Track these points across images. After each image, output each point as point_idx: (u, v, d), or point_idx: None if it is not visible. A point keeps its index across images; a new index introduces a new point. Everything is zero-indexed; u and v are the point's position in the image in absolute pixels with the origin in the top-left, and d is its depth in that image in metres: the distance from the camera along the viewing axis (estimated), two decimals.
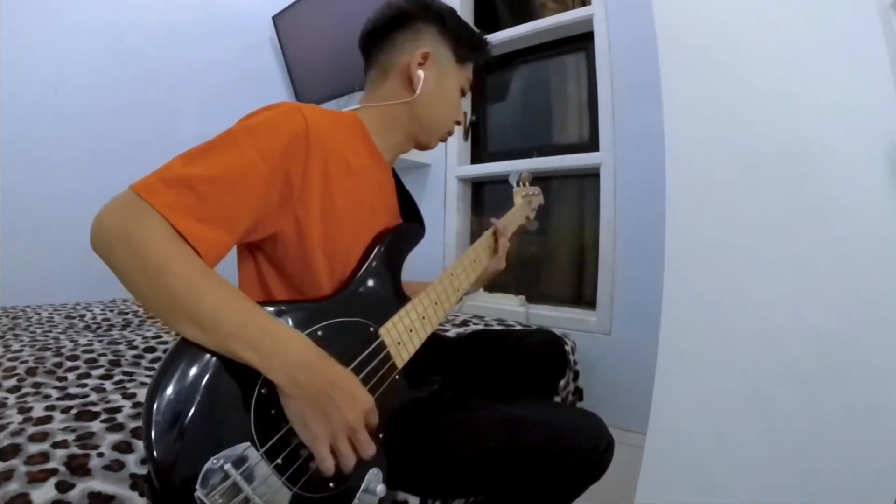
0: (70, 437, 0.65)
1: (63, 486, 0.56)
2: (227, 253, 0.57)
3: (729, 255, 0.87)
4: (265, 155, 0.57)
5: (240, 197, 0.56)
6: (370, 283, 0.68)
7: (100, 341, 1.14)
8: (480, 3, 1.98)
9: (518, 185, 1.04)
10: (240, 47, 2.23)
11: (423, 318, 0.69)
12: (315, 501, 0.54)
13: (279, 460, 0.51)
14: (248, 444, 0.50)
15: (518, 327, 1.40)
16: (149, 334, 1.22)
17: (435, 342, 0.83)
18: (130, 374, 0.94)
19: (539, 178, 1.18)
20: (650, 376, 0.92)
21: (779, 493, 0.79)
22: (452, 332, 1.25)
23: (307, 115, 0.62)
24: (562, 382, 1.14)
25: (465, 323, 1.41)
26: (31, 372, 0.91)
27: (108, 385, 0.87)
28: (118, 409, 0.75)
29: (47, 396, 0.80)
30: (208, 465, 0.47)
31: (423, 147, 0.83)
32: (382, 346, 0.63)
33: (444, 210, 1.96)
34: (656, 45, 0.95)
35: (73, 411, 0.73)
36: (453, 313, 1.51)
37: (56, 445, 0.63)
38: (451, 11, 0.80)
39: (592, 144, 1.64)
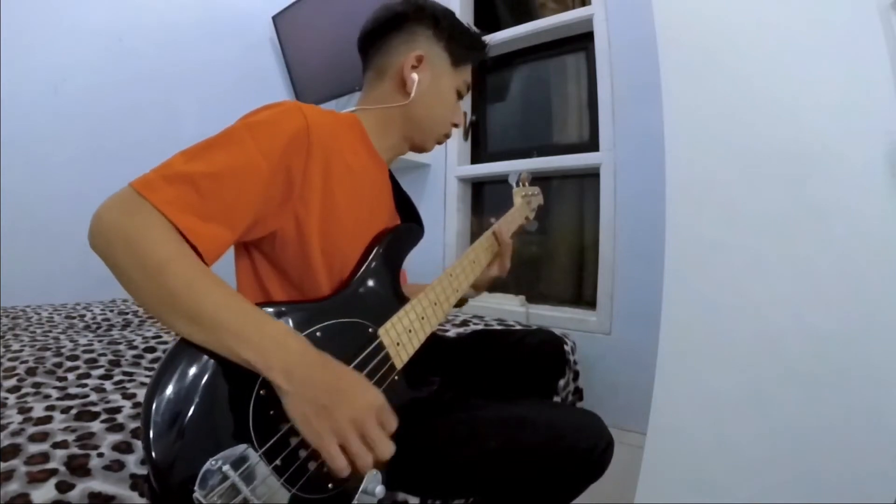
0: (70, 438, 0.65)
1: (63, 487, 0.56)
2: (226, 250, 0.57)
3: (729, 255, 0.87)
4: (266, 152, 0.57)
5: (241, 194, 0.56)
6: (369, 283, 0.68)
7: (100, 341, 1.14)
8: (480, 3, 1.98)
9: (517, 185, 1.03)
10: (240, 47, 2.23)
11: (423, 318, 0.69)
12: (314, 502, 0.54)
13: (278, 461, 0.51)
14: (247, 445, 0.50)
15: (518, 327, 1.40)
16: (149, 334, 1.22)
17: (435, 342, 0.82)
18: (130, 374, 0.94)
19: (539, 178, 1.18)
20: (650, 376, 0.92)
21: (779, 493, 0.79)
22: (452, 332, 1.25)
23: (308, 114, 0.62)
24: (562, 382, 1.14)
25: (465, 323, 1.41)
26: (31, 372, 0.91)
27: (108, 385, 0.87)
28: (118, 410, 0.75)
29: (47, 396, 0.80)
30: (207, 466, 0.47)
31: (419, 149, 0.82)
32: (381, 346, 0.63)
33: (444, 210, 1.96)
34: (656, 45, 0.95)
35: (73, 411, 0.73)
36: (453, 313, 1.51)
37: (56, 445, 0.63)
38: (447, 13, 0.79)
39: (592, 144, 1.64)
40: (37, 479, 0.56)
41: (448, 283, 0.76)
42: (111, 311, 1.52)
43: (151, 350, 1.10)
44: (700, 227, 0.90)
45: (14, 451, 0.61)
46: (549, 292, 1.81)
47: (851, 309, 0.76)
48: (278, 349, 0.50)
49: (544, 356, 0.94)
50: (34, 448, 0.62)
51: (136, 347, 1.10)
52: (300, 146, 0.60)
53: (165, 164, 0.54)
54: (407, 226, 0.78)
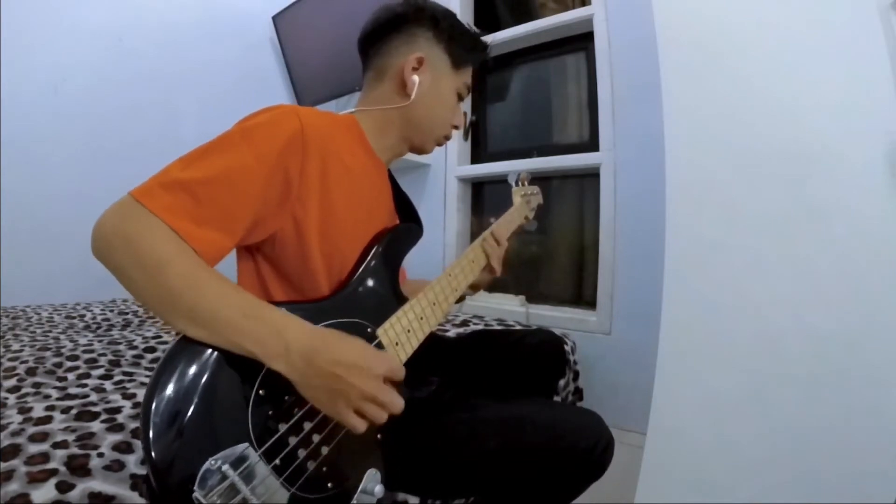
0: (70, 438, 0.65)
1: (63, 487, 0.56)
2: (226, 255, 0.58)
3: (729, 255, 0.87)
4: (263, 156, 0.58)
5: (237, 198, 0.56)
6: (368, 283, 0.68)
7: (100, 341, 1.14)
8: (480, 4, 1.98)
9: (517, 184, 1.03)
10: (240, 47, 2.23)
11: (422, 318, 0.69)
12: (313, 502, 0.54)
13: (277, 461, 0.51)
14: (247, 444, 0.50)
15: (518, 327, 1.40)
16: (149, 334, 1.22)
17: (434, 342, 0.82)
18: (130, 374, 0.94)
19: (539, 178, 1.18)
20: (650, 376, 0.92)
21: (779, 493, 0.79)
22: (452, 332, 1.25)
23: (303, 116, 0.62)
24: (562, 382, 1.14)
25: (465, 323, 1.41)
26: (31, 372, 0.91)
27: (108, 385, 0.87)
28: (118, 410, 0.75)
29: (47, 396, 0.80)
30: (206, 465, 0.47)
31: (419, 151, 0.82)
32: (380, 346, 0.63)
33: (444, 210, 1.96)
34: (656, 45, 0.95)
35: (74, 411, 0.73)
36: (453, 313, 1.51)
37: (56, 446, 0.63)
38: (448, 14, 0.79)
39: (592, 144, 1.64)
40: (37, 479, 0.56)
41: (447, 283, 0.76)
42: (111, 311, 1.52)
43: (151, 350, 1.10)
44: (700, 227, 0.90)
45: (14, 451, 0.61)
46: (549, 292, 1.81)
47: (851, 309, 0.76)
48: (278, 339, 0.51)
49: (544, 356, 0.94)
50: (34, 448, 0.62)
51: (136, 347, 1.10)
52: (296, 148, 0.60)
53: (163, 172, 0.55)
54: (406, 226, 0.78)
